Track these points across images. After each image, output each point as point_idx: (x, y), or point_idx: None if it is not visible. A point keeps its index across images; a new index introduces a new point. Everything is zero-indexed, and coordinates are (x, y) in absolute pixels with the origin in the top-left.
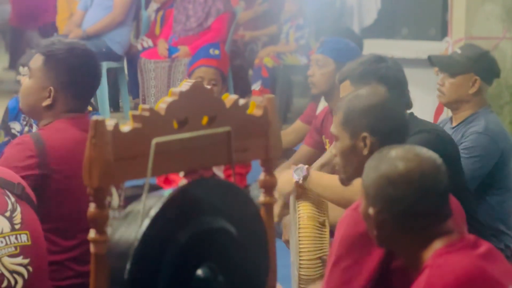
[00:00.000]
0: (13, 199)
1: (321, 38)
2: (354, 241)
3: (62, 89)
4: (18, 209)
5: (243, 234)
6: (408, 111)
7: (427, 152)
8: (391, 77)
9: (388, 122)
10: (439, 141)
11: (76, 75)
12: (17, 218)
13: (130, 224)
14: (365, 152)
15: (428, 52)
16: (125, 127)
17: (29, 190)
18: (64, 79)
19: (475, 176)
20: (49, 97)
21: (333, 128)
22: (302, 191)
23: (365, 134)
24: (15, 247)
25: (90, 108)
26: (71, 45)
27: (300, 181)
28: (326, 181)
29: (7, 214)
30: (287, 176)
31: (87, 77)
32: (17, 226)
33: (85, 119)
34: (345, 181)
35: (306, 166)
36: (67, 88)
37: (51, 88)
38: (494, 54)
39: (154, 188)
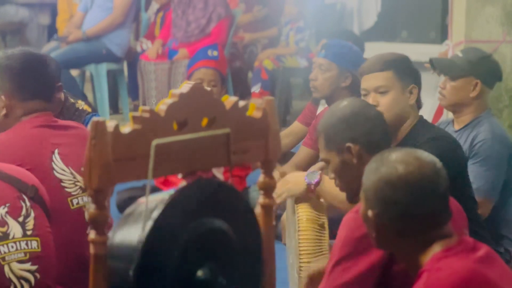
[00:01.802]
0: (28, 204)
1: (322, 40)
2: (355, 244)
3: (12, 95)
4: (32, 214)
5: (239, 236)
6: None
7: (427, 156)
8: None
9: (364, 126)
10: (450, 148)
11: (18, 79)
12: (30, 224)
13: (131, 226)
14: (354, 161)
15: (428, 55)
16: (125, 128)
17: (42, 192)
18: (8, 84)
19: (496, 185)
20: (3, 107)
21: (321, 154)
22: (310, 195)
23: (348, 144)
24: (25, 253)
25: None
26: (10, 53)
27: (312, 186)
28: (337, 190)
29: (20, 219)
30: (299, 177)
31: (31, 79)
32: (28, 232)
33: (44, 116)
34: (352, 199)
35: (320, 171)
36: (14, 93)
37: (2, 96)
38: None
39: (152, 190)
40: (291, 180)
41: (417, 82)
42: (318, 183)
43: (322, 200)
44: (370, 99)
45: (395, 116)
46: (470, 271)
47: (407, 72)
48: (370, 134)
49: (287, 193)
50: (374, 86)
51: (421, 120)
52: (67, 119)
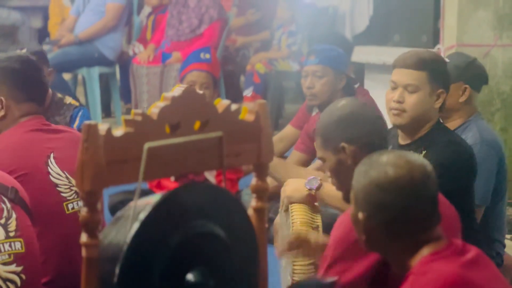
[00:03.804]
0: (9, 205)
1: (310, 48)
2: (349, 245)
3: (9, 96)
4: (14, 215)
5: (233, 239)
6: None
7: (417, 159)
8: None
9: (361, 127)
10: (466, 156)
11: (17, 80)
12: (12, 225)
13: (120, 229)
14: (349, 161)
15: None
16: (118, 131)
17: (22, 194)
18: (6, 85)
19: (487, 191)
20: (2, 108)
21: (318, 153)
22: (312, 201)
23: (343, 144)
24: (9, 255)
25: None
26: (8, 55)
27: (313, 192)
28: (338, 193)
29: (2, 221)
30: (298, 184)
31: (28, 81)
32: (11, 234)
33: (37, 120)
34: (348, 198)
35: (320, 177)
36: (11, 93)
37: (2, 98)
38: (485, 61)
39: (145, 193)
40: (290, 187)
41: (446, 87)
42: (319, 188)
43: (318, 203)
44: (397, 94)
45: (417, 117)
46: (455, 275)
47: (440, 77)
48: (367, 135)
49: (287, 200)
50: (405, 82)
51: (438, 123)
52: (55, 114)
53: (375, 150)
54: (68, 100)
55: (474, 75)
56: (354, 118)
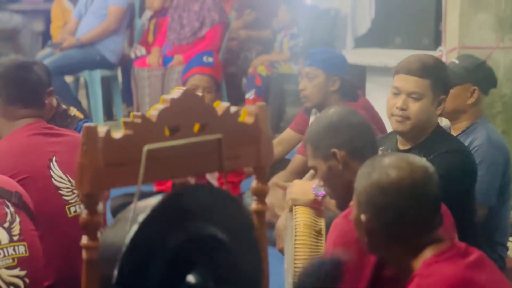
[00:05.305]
0: (12, 209)
1: (306, 51)
2: (345, 248)
3: (8, 101)
4: (17, 219)
5: (235, 241)
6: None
7: (419, 161)
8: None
9: (349, 132)
10: (465, 163)
11: (8, 85)
12: (16, 229)
13: (118, 231)
14: (340, 167)
15: None
16: (117, 134)
17: (26, 199)
18: (1, 91)
19: (492, 191)
20: None
21: (309, 163)
22: (316, 206)
23: (333, 150)
24: (13, 259)
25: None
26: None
27: (320, 198)
28: None
29: (6, 225)
30: (305, 187)
31: (16, 85)
32: (15, 238)
33: (38, 123)
34: (342, 206)
35: None
36: (7, 98)
37: None
38: None
39: (146, 195)
40: (297, 189)
41: (447, 93)
42: (325, 196)
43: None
44: (401, 101)
45: (420, 124)
46: (459, 277)
47: (442, 83)
48: (354, 140)
49: (292, 202)
50: (409, 90)
51: (438, 128)
52: (59, 126)
53: (365, 155)
54: (73, 111)
55: (482, 77)
56: (342, 124)
